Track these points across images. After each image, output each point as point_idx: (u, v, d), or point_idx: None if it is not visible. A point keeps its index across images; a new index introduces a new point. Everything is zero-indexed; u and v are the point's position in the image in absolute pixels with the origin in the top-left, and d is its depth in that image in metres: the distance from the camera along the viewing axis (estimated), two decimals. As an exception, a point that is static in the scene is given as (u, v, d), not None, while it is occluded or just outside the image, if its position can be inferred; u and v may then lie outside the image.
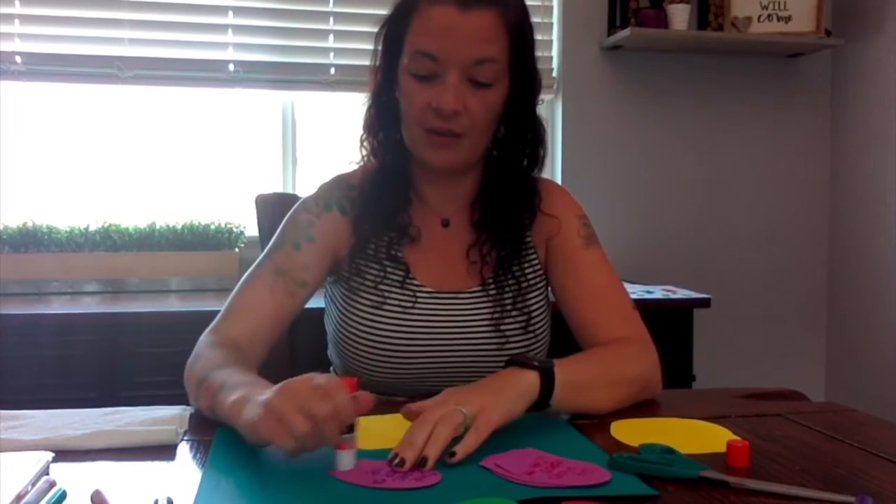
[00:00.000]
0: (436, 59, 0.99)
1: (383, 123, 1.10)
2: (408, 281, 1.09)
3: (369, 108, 1.11)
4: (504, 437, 0.82)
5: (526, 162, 1.12)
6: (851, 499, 0.66)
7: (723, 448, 0.78)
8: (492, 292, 1.10)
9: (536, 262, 1.14)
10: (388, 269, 1.09)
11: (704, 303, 2.18)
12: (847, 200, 2.80)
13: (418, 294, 1.09)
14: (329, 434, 0.71)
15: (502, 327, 1.08)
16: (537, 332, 1.11)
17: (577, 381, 0.93)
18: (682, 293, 2.25)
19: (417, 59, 1.00)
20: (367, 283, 1.10)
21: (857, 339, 2.76)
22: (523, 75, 1.06)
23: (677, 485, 0.71)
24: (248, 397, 0.78)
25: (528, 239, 1.14)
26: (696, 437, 0.86)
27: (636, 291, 2.24)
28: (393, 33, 1.05)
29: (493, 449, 0.78)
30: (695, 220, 2.74)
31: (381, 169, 1.11)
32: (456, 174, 1.10)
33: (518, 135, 1.10)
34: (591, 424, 0.92)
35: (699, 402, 1.06)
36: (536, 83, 1.09)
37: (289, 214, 1.14)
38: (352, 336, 1.09)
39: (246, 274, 1.09)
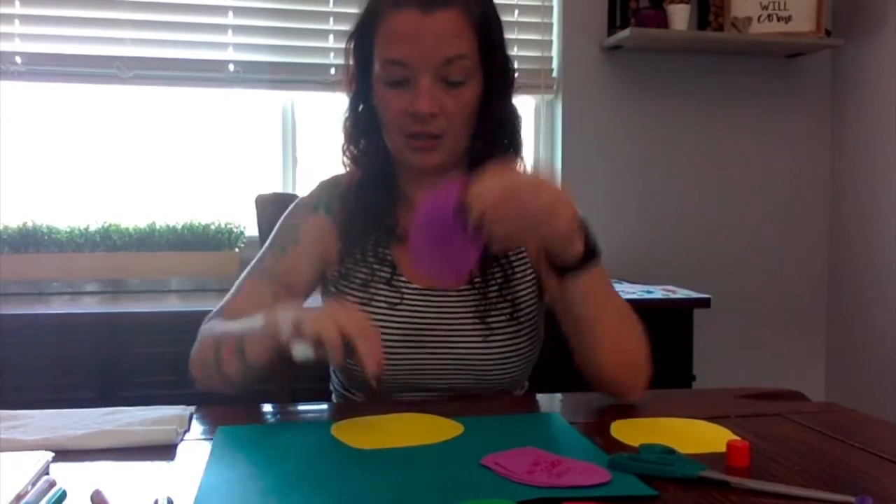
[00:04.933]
0: (406, 65, 1.00)
1: (363, 131, 1.12)
2: (395, 279, 1.10)
3: (347, 118, 1.13)
4: (504, 436, 0.83)
5: (509, 153, 1.12)
6: (851, 499, 0.66)
7: (723, 448, 0.78)
8: (478, 285, 1.10)
9: (523, 253, 1.14)
10: (376, 269, 1.11)
11: (704, 303, 2.18)
12: (847, 200, 2.80)
13: (404, 291, 1.10)
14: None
15: (488, 319, 1.08)
16: (523, 321, 1.10)
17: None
18: (682, 293, 2.25)
19: (388, 67, 1.02)
20: (355, 283, 1.11)
21: (857, 339, 2.76)
22: (495, 68, 1.06)
23: (677, 485, 0.71)
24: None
25: None
26: (696, 437, 0.86)
27: (636, 291, 2.24)
28: (361, 45, 1.06)
29: (494, 448, 0.78)
30: (695, 220, 2.74)
31: (365, 175, 1.13)
32: (440, 174, 1.10)
33: (497, 128, 1.10)
34: (592, 424, 0.92)
35: (699, 402, 1.06)
36: (510, 74, 1.10)
37: (282, 217, 1.16)
38: None
39: (239, 279, 1.12)
